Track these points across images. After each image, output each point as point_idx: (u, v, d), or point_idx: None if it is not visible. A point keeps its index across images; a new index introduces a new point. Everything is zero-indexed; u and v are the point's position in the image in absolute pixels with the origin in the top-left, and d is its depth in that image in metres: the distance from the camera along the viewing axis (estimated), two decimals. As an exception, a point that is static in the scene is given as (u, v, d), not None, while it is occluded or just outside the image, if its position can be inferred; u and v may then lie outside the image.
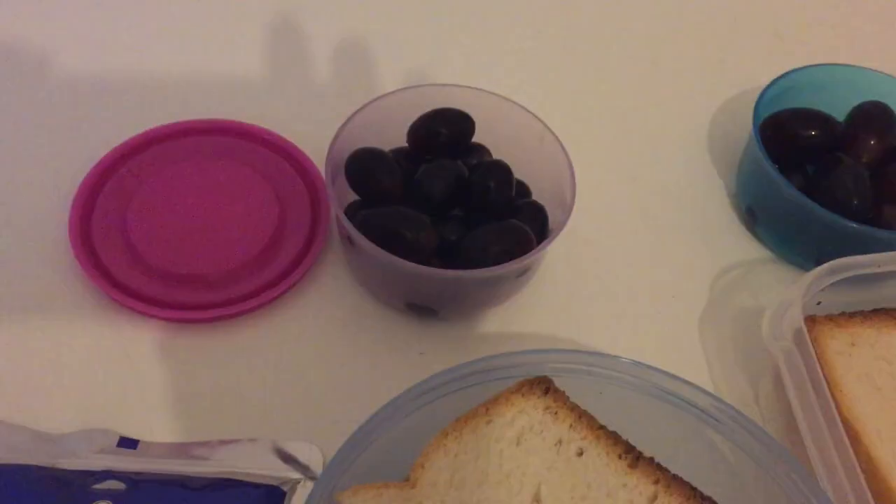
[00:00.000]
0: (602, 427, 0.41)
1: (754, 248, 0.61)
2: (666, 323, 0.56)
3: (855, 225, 0.54)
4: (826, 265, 0.49)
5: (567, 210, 0.52)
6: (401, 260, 0.47)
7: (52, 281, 0.53)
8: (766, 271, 0.59)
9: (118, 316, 0.52)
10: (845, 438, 0.42)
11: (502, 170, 0.54)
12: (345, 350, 0.52)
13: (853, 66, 0.62)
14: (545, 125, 0.55)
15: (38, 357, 0.50)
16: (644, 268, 0.59)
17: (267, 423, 0.49)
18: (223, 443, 0.47)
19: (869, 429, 0.45)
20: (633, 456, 0.40)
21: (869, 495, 0.41)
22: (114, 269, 0.53)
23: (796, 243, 0.59)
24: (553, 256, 0.58)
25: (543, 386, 0.43)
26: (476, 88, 0.56)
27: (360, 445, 0.39)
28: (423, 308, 0.53)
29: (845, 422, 0.45)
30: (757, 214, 0.61)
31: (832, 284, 0.51)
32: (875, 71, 0.62)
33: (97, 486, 0.43)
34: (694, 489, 0.39)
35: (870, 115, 0.60)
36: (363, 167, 0.52)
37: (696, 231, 0.61)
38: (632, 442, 0.42)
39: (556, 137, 0.54)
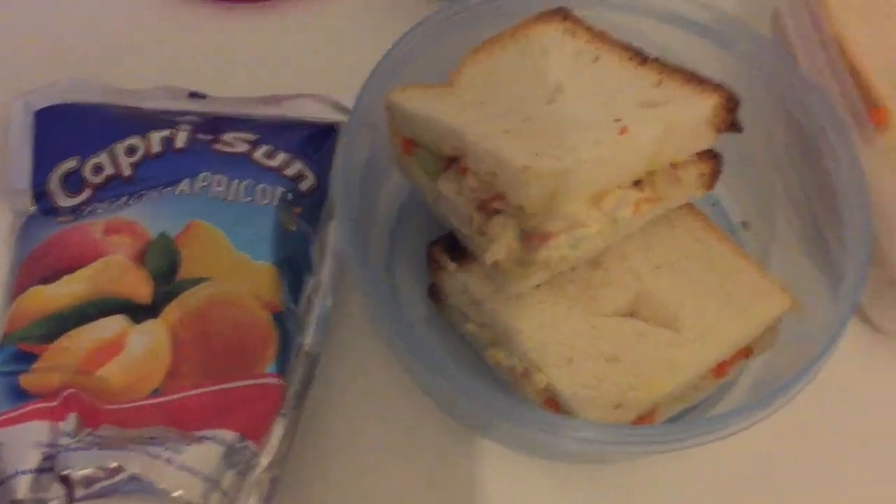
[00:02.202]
0: (615, 39, 0.47)
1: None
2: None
3: None
4: None
5: None
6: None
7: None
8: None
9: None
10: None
11: None
12: (388, 29, 0.57)
13: None
14: None
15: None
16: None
17: (323, 84, 0.54)
18: (285, 97, 0.53)
19: (855, 46, 0.50)
20: (641, 58, 0.46)
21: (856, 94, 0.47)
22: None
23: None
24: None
25: (562, 13, 0.48)
26: None
27: (402, 52, 0.45)
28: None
29: (837, 41, 0.50)
30: None
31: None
32: None
33: (179, 118, 0.50)
34: (694, 73, 0.44)
35: None
36: None
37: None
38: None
39: None
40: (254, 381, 0.40)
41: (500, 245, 0.41)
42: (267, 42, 0.58)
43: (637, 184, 0.43)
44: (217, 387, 0.39)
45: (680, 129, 0.42)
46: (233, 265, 0.43)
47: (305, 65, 0.57)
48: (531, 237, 0.41)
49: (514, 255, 0.41)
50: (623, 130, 0.41)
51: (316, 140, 0.50)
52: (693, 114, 0.42)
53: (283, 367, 0.42)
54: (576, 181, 0.39)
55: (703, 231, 0.47)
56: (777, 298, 0.44)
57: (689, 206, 0.47)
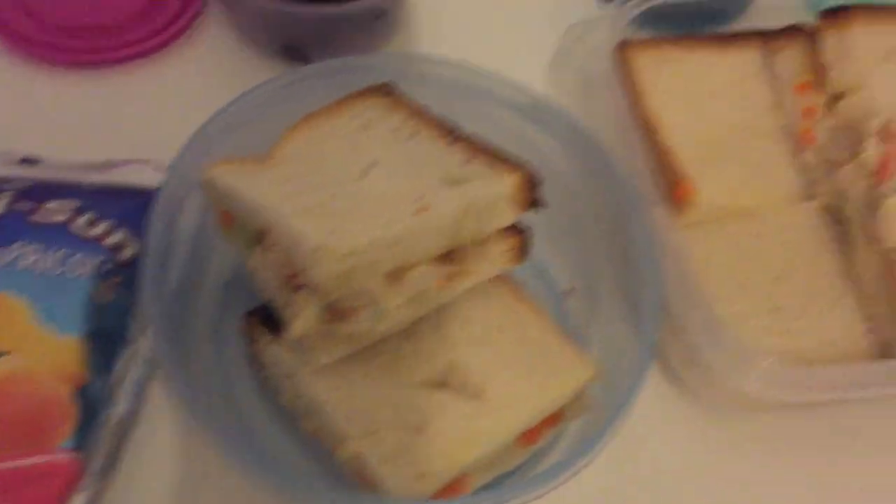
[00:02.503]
0: (433, 116, 0.49)
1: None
2: (531, 53, 0.63)
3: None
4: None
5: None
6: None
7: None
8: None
9: (14, 64, 0.57)
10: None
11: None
12: (226, 94, 0.58)
13: None
14: None
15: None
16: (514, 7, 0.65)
17: (161, 149, 0.55)
18: (119, 163, 0.54)
19: (665, 125, 0.53)
20: (454, 135, 0.48)
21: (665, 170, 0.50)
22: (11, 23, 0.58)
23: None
24: (426, 13, 0.64)
25: (385, 89, 0.50)
26: None
27: (217, 125, 0.46)
28: (295, 50, 0.59)
29: (646, 120, 0.53)
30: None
31: (648, 19, 0.58)
32: None
33: (3, 185, 0.50)
34: (503, 152, 0.46)
35: None
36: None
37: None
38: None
39: None
40: (44, 459, 0.39)
41: (303, 319, 0.42)
42: (106, 105, 0.58)
43: (443, 258, 0.45)
44: (2, 465, 0.39)
45: (480, 207, 0.44)
46: (35, 338, 0.43)
47: (143, 129, 0.57)
48: (333, 312, 0.42)
49: (317, 330, 0.42)
50: (421, 210, 0.42)
51: (142, 207, 0.50)
52: (493, 192, 0.44)
53: (82, 442, 0.41)
54: (369, 260, 0.40)
55: (516, 302, 0.48)
56: (580, 368, 0.46)
57: (504, 278, 0.49)
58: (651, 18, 0.58)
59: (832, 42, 0.54)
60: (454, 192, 0.44)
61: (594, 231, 0.52)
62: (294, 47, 0.59)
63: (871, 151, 0.49)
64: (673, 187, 0.51)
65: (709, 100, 0.55)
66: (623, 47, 0.55)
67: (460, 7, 0.65)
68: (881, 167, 0.48)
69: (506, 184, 0.44)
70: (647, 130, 0.53)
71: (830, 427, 0.52)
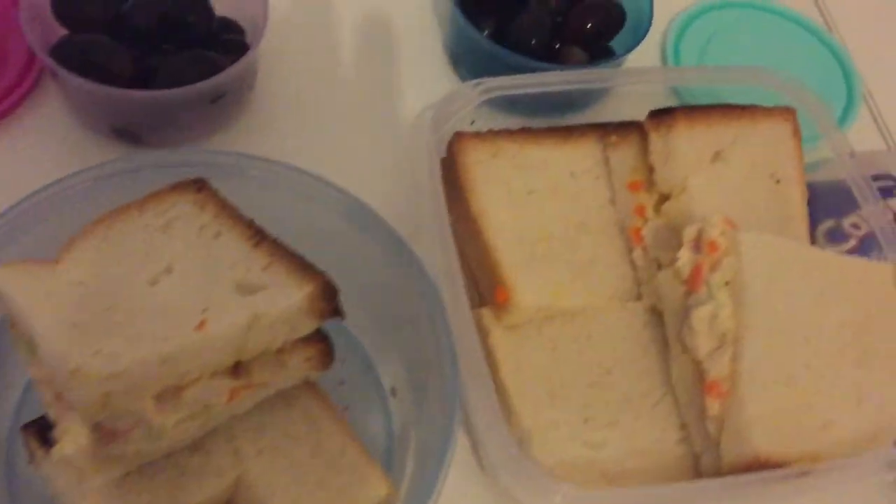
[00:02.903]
0: (242, 217, 0.47)
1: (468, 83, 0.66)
2: (371, 146, 0.62)
3: (535, 62, 0.61)
4: (478, 83, 0.55)
5: (257, 37, 0.57)
6: (92, 83, 0.52)
7: None
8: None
9: None
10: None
11: (202, 7, 0.58)
12: (55, 174, 0.56)
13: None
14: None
15: None
16: (356, 101, 0.64)
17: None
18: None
19: (492, 223, 0.52)
20: (259, 238, 0.46)
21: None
22: None
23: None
24: (268, 91, 0.62)
25: (198, 185, 0.49)
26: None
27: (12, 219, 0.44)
28: (128, 132, 0.57)
29: (473, 217, 0.52)
30: (458, 57, 0.67)
31: (491, 108, 0.58)
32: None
33: None
34: (304, 259, 0.45)
35: (561, -34, 0.66)
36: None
37: (407, 72, 0.67)
38: (274, 231, 0.48)
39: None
40: None
41: (71, 439, 0.40)
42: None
43: (234, 369, 0.43)
44: None
45: (271, 318, 0.42)
46: None
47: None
48: (103, 432, 0.40)
49: (86, 450, 0.40)
50: (201, 325, 0.41)
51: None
52: (286, 302, 0.43)
53: None
54: (134, 381, 0.38)
55: (319, 411, 0.47)
56: (375, 486, 0.44)
57: (310, 385, 0.47)
58: (505, 105, 0.58)
59: (658, 143, 0.54)
60: (244, 302, 0.43)
61: (413, 333, 0.50)
62: (126, 130, 0.58)
63: (685, 260, 0.48)
64: (494, 289, 0.50)
65: (542, 195, 0.54)
66: (457, 140, 0.55)
67: (305, 94, 0.64)
68: (692, 277, 0.48)
69: (300, 294, 0.43)
70: (474, 229, 0.52)
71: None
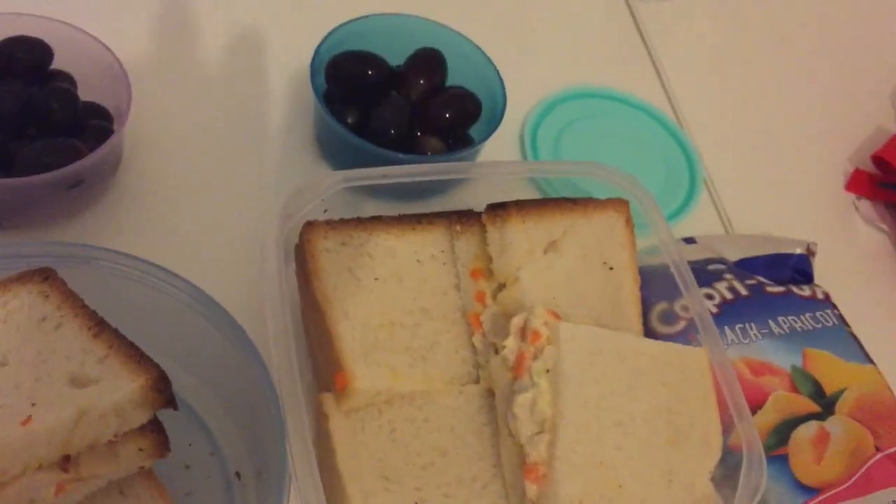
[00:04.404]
0: (85, 307, 0.49)
1: (325, 173, 0.70)
2: (231, 233, 0.64)
3: (393, 154, 0.64)
4: (331, 174, 0.58)
5: (120, 124, 0.59)
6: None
7: None
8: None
9: None
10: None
11: (66, 94, 0.60)
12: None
13: (415, 16, 0.72)
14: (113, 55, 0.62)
15: None
16: (221, 187, 0.67)
17: None
18: None
19: (335, 309, 0.54)
20: (99, 328, 0.48)
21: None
22: None
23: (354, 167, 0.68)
24: (134, 173, 0.64)
25: (44, 275, 0.50)
26: (55, 20, 0.62)
27: None
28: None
29: (317, 304, 0.55)
30: (323, 145, 0.70)
31: (350, 195, 0.61)
32: (433, 21, 0.72)
33: None
34: (140, 351, 0.47)
35: (422, 58, 0.70)
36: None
37: (276, 160, 0.69)
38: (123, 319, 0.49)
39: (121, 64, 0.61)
40: None
41: None
42: None
43: (64, 462, 0.44)
44: None
45: (100, 411, 0.44)
46: None
47: None
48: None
49: None
50: (27, 420, 0.42)
51: None
52: (116, 395, 0.44)
53: None
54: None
55: (154, 500, 0.48)
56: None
57: (147, 474, 0.49)
58: (364, 192, 0.61)
59: (494, 234, 0.57)
60: (74, 395, 0.44)
61: (252, 418, 0.52)
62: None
63: (511, 347, 0.52)
64: (333, 375, 0.52)
65: (388, 282, 0.57)
66: (307, 229, 0.57)
67: (171, 178, 0.66)
68: (517, 364, 0.51)
69: (132, 386, 0.45)
70: (318, 316, 0.54)
71: None
